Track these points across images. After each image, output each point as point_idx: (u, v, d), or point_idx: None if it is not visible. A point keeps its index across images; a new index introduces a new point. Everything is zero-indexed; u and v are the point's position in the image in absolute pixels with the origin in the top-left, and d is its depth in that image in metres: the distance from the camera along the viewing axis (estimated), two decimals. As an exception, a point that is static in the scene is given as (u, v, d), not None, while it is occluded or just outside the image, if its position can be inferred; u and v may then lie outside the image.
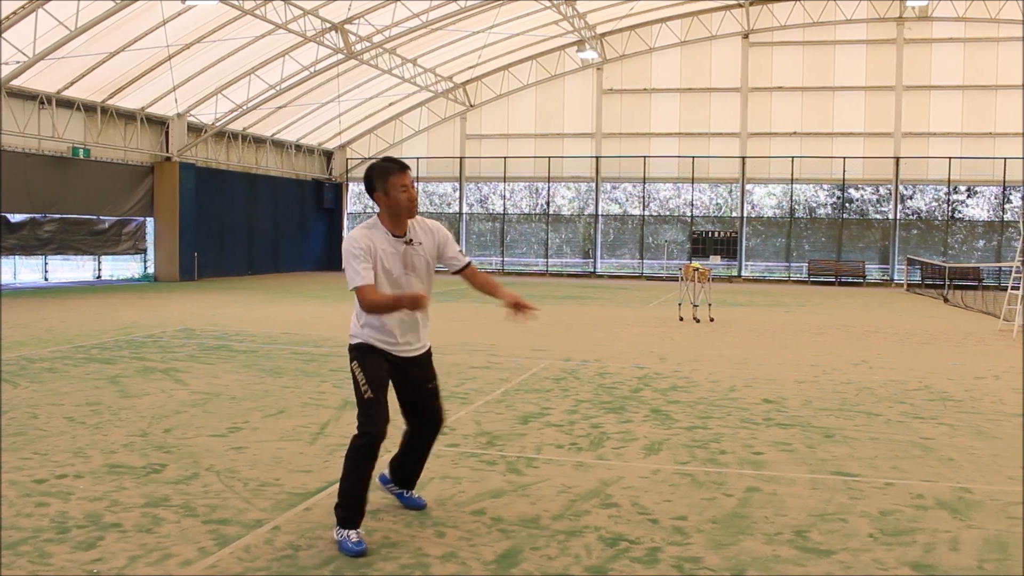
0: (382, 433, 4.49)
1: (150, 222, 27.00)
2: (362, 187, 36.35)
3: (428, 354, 4.81)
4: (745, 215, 32.87)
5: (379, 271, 4.49)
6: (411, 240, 4.58)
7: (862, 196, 33.65)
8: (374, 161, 4.69)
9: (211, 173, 28.42)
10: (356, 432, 4.53)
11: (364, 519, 4.53)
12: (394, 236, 4.54)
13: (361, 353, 4.58)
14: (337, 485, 4.62)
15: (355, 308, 4.63)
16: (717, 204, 34.99)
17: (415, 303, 4.34)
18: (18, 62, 19.59)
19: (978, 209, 33.31)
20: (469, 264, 4.81)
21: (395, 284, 4.56)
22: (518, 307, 4.58)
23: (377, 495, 5.31)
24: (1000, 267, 27.12)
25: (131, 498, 5.18)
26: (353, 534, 4.41)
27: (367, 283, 4.39)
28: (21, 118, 21.76)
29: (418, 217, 4.67)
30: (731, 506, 5.21)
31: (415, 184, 4.61)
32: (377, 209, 4.58)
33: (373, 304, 4.41)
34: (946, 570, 4.28)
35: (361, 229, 4.53)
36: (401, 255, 4.55)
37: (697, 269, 17.14)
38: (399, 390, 4.76)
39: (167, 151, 26.62)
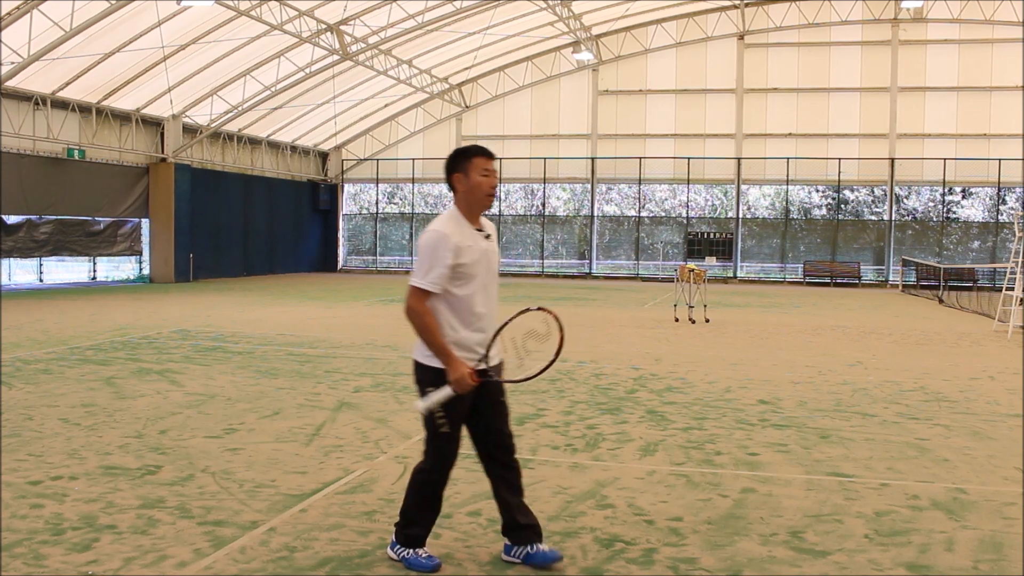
0: (452, 465, 4.27)
1: (145, 223, 26.96)
2: (358, 188, 36.74)
3: (501, 363, 4.37)
4: (740, 216, 32.90)
5: (463, 271, 4.09)
6: (488, 235, 4.25)
7: (857, 197, 33.70)
8: None
9: (206, 174, 28.38)
10: (424, 463, 4.26)
11: (362, 523, 4.51)
12: (476, 230, 4.20)
13: (442, 379, 4.08)
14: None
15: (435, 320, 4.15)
16: (713, 205, 35.01)
17: (460, 381, 3.97)
18: (13, 63, 19.54)
19: (973, 210, 33.38)
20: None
21: (480, 288, 4.16)
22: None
23: (377, 495, 5.31)
24: (995, 268, 27.17)
25: (126, 500, 5.17)
26: (422, 551, 4.24)
27: (432, 291, 4.03)
28: (16, 119, 21.71)
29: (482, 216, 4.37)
30: (727, 507, 5.21)
31: (496, 178, 4.25)
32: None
33: (423, 320, 4.01)
34: (941, 571, 4.29)
35: (448, 222, 4.14)
36: (484, 252, 4.18)
37: (693, 270, 17.15)
38: (471, 413, 4.25)
39: (162, 152, 26.58)
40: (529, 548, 4.27)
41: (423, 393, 4.14)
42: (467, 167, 4.18)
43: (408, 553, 4.25)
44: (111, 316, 15.99)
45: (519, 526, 4.29)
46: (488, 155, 4.23)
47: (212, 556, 4.32)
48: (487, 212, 4.37)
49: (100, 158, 24.74)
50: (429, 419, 4.14)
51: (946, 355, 12.33)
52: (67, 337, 12.76)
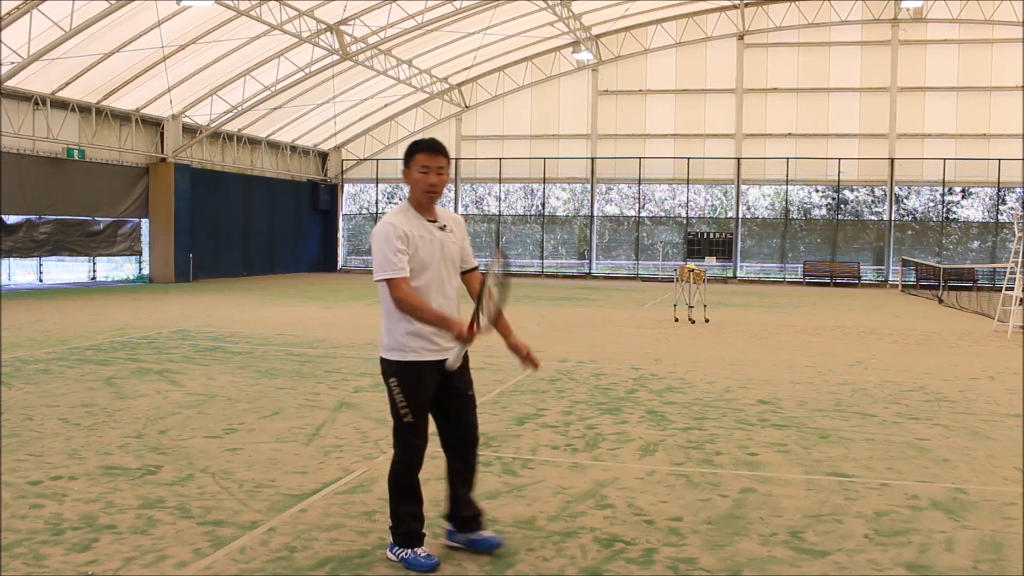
0: (421, 455, 4.36)
1: (145, 223, 26.95)
2: (358, 188, 36.76)
3: (467, 357, 4.45)
4: (740, 216, 32.89)
5: (415, 261, 4.19)
6: (444, 226, 4.30)
7: (857, 197, 33.71)
8: None
9: (206, 174, 28.38)
10: (394, 457, 4.37)
11: (362, 523, 4.51)
12: (427, 220, 4.27)
13: (403, 371, 4.25)
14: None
15: (389, 312, 4.25)
16: (712, 205, 35.01)
17: (462, 335, 4.06)
18: (13, 63, 19.54)
19: (973, 210, 33.39)
20: (477, 267, 4.52)
21: (435, 278, 4.25)
22: (526, 357, 4.41)
23: (377, 495, 5.31)
24: (995, 268, 27.17)
25: (126, 500, 5.17)
26: (420, 550, 4.26)
27: (403, 275, 4.10)
28: (16, 119, 21.71)
29: (445, 209, 4.44)
30: (726, 507, 5.21)
31: (440, 173, 4.25)
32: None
33: (410, 303, 4.08)
34: (941, 571, 4.29)
35: (397, 214, 4.25)
36: (439, 242, 4.25)
37: (692, 270, 17.15)
38: (437, 402, 4.39)
39: (162, 152, 26.57)
40: (471, 535, 4.46)
41: (388, 387, 4.30)
42: (410, 163, 4.30)
43: (406, 553, 4.26)
44: (111, 316, 15.98)
45: (462, 518, 4.48)
46: (431, 150, 4.27)
47: (212, 556, 4.32)
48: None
49: (100, 158, 24.73)
50: (395, 411, 4.29)
51: (946, 355, 12.33)
52: (67, 337, 12.76)
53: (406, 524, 4.30)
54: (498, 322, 4.37)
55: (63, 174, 23.57)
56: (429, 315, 4.13)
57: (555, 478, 5.78)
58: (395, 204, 38.14)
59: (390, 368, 4.28)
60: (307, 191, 34.54)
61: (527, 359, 4.43)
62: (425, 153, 4.25)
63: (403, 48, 28.12)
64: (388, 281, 4.13)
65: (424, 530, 4.39)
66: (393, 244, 4.13)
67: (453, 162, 34.50)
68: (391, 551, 4.33)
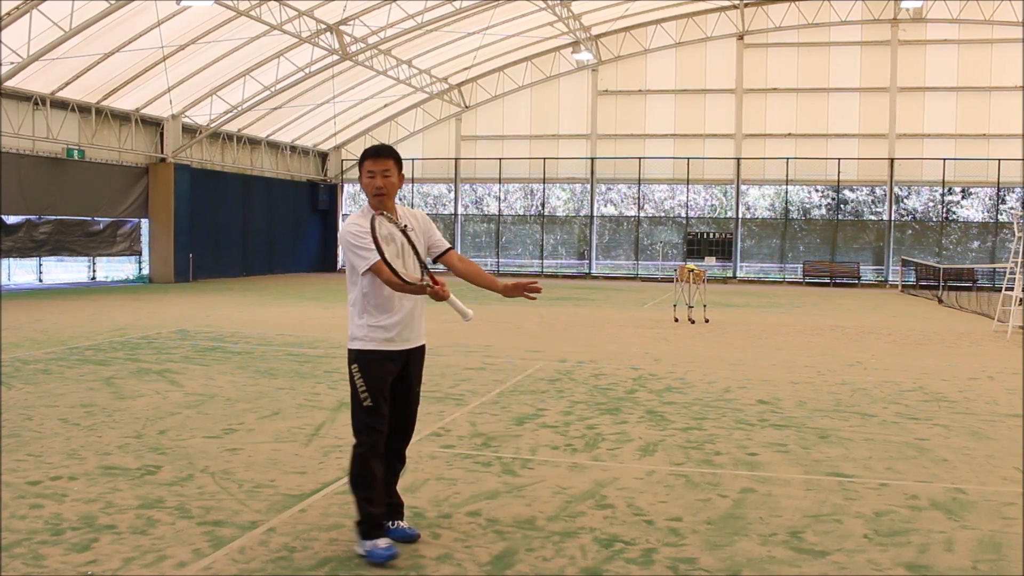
0: (381, 441, 4.45)
1: (145, 223, 26.95)
2: (357, 188, 36.69)
3: (424, 349, 4.68)
4: (740, 216, 32.89)
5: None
6: (405, 225, 4.47)
7: (857, 197, 33.71)
8: None
9: (206, 174, 28.38)
10: (355, 443, 4.46)
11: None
12: (388, 220, 4.46)
13: (363, 358, 4.46)
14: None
15: (355, 307, 4.50)
16: (712, 205, 35.01)
17: (436, 293, 4.27)
18: (13, 63, 19.54)
19: (972, 210, 33.38)
20: (451, 248, 4.66)
21: (400, 272, 4.44)
22: (525, 290, 4.47)
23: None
24: (994, 268, 27.17)
25: (125, 500, 5.17)
26: (381, 541, 4.32)
27: (377, 257, 4.29)
28: (16, 119, 21.70)
29: (405, 207, 4.63)
30: (726, 507, 5.21)
31: (386, 175, 4.45)
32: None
33: (396, 281, 4.30)
34: (941, 571, 4.29)
35: (358, 216, 4.49)
36: (401, 240, 4.46)
37: (692, 270, 17.15)
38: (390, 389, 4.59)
39: (162, 152, 26.57)
40: (389, 523, 4.53)
41: (351, 373, 4.48)
42: (360, 169, 4.54)
43: (369, 546, 4.31)
44: (110, 316, 15.98)
45: (391, 501, 4.59)
46: (375, 156, 4.50)
47: (211, 556, 4.32)
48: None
49: (100, 158, 24.72)
50: (355, 396, 4.45)
51: (945, 355, 12.33)
52: (66, 337, 12.76)
53: (363, 509, 4.37)
54: (481, 282, 4.61)
55: (63, 174, 23.57)
56: (412, 287, 4.34)
57: (555, 478, 5.78)
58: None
59: (352, 356, 4.51)
60: (306, 191, 34.54)
61: (527, 288, 4.49)
62: (370, 159, 4.48)
63: (403, 48, 28.12)
64: (372, 270, 4.34)
65: (385, 521, 4.45)
66: (361, 239, 4.37)
67: (453, 162, 34.63)
68: (358, 547, 4.38)
